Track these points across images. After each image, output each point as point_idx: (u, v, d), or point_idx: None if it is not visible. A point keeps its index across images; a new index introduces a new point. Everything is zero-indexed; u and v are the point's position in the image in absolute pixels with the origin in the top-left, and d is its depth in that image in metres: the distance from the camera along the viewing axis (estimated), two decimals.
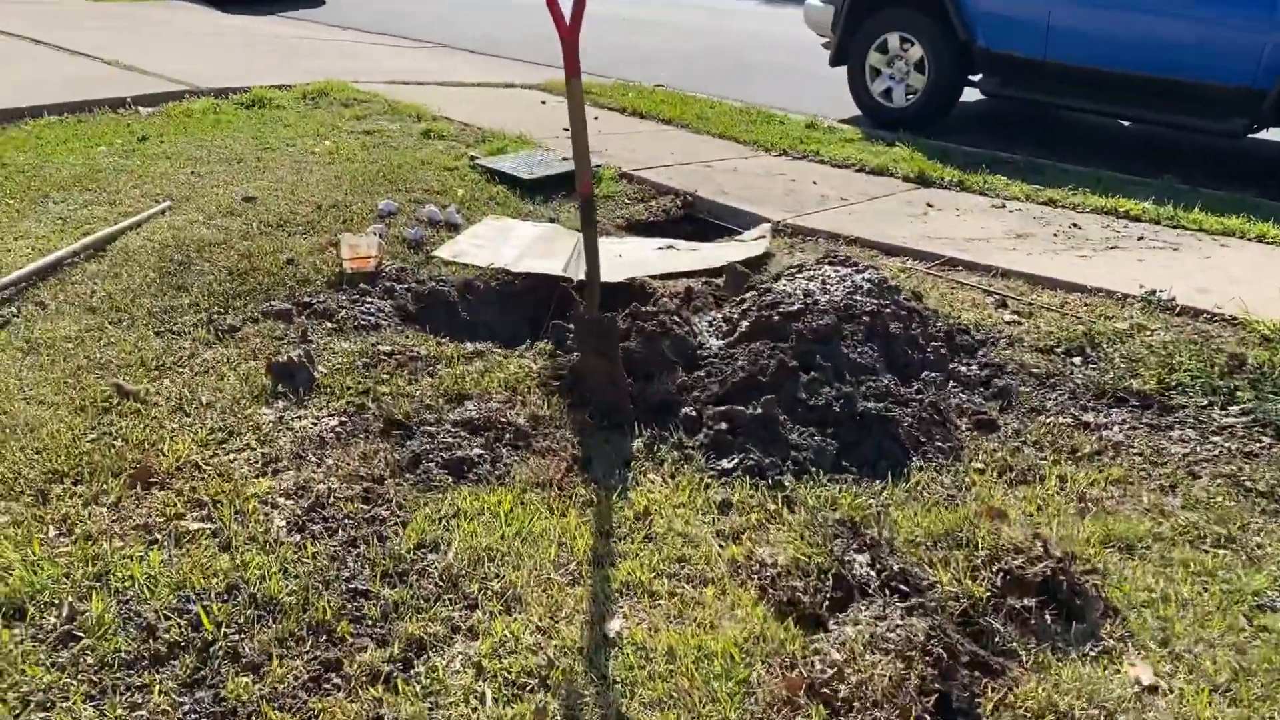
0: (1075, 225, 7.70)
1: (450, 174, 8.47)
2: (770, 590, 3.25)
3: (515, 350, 5.36)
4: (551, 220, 7.64)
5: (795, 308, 4.63)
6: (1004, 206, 8.28)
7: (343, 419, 4.55)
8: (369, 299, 5.94)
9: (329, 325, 5.55)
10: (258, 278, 6.08)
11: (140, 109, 10.13)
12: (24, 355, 5.01)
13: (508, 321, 6.40)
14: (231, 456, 4.22)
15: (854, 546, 3.40)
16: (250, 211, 7.24)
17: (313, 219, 7.20)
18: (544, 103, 11.62)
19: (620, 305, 6.26)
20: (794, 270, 5.46)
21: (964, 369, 4.74)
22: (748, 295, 5.15)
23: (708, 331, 4.91)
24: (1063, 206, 8.29)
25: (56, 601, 3.23)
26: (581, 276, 6.37)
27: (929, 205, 8.27)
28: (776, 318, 4.62)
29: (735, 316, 4.86)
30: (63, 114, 9.72)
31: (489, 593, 3.28)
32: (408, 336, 5.53)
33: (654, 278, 6.47)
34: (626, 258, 6.92)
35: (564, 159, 8.72)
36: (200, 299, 5.76)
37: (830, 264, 5.46)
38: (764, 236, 7.25)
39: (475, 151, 9.11)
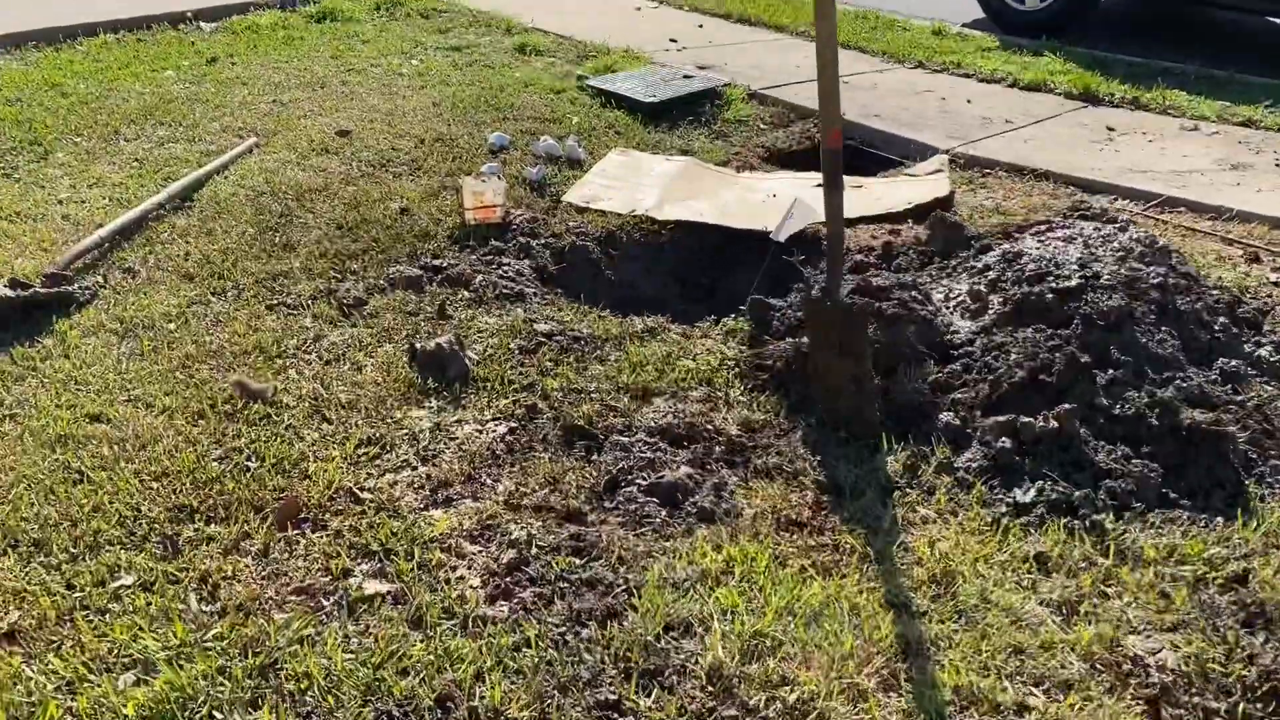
0: None
1: (558, 97, 7.49)
2: (1165, 708, 2.42)
3: (696, 328, 4.48)
4: (684, 152, 6.67)
5: (1072, 283, 3.70)
6: (1196, 129, 7.19)
7: (512, 425, 3.72)
8: (504, 259, 5.06)
9: (466, 295, 4.70)
10: (371, 232, 5.22)
11: (202, 24, 9.17)
12: (120, 340, 4.21)
13: (659, 280, 5.51)
14: (390, 479, 3.42)
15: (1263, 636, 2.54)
16: (347, 148, 6.34)
17: (417, 157, 6.30)
18: (639, 9, 10.50)
19: (786, 255, 5.36)
20: (1041, 227, 4.49)
21: (1264, 352, 3.81)
22: (987, 259, 4.22)
23: (949, 309, 4.00)
24: (1266, 128, 7.18)
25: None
26: (739, 224, 5.46)
27: (1110, 130, 7.20)
28: (1050, 295, 3.69)
29: (982, 290, 3.94)
30: (119, 31, 8.78)
31: (782, 708, 2.46)
32: (559, 308, 4.67)
33: (823, 224, 5.52)
34: (783, 198, 5.96)
35: (685, 77, 7.71)
36: (311, 261, 4.91)
37: (1082, 218, 4.50)
38: (940, 170, 6.25)
39: (581, 70, 8.10)
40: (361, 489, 3.37)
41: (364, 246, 5.10)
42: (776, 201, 5.91)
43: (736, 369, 4.05)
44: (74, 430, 3.57)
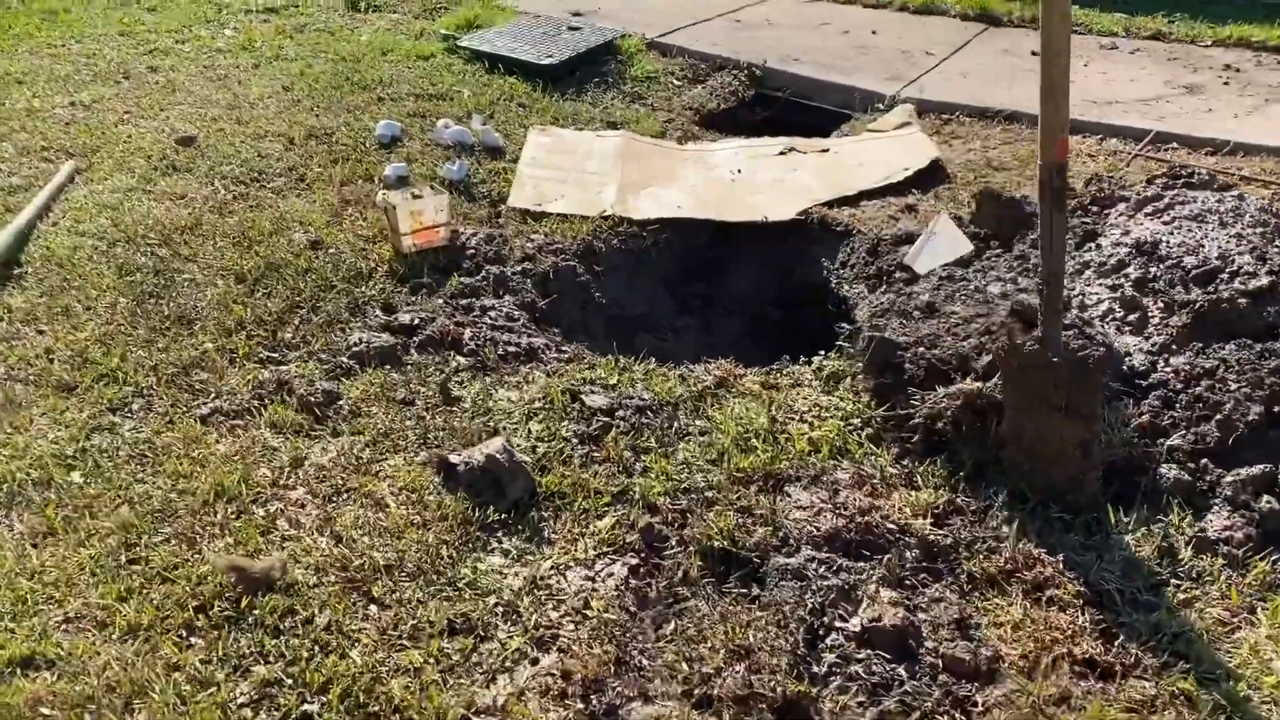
0: (1230, 67, 6.35)
1: (430, 65, 6.25)
2: None
3: (778, 374, 3.59)
4: (611, 125, 5.65)
5: (1263, 281, 3.09)
6: (1115, 47, 6.85)
7: (631, 560, 2.77)
8: (482, 299, 3.98)
9: (462, 361, 3.61)
10: (287, 281, 3.99)
11: None
12: (2, 514, 2.89)
13: (647, 292, 4.57)
14: (511, 688, 2.41)
15: None
16: (199, 161, 4.94)
17: (294, 163, 4.99)
18: None
19: (793, 252, 4.55)
20: (1145, 200, 3.83)
21: None
22: (1112, 251, 3.54)
23: (1099, 322, 3.30)
24: (1178, 40, 6.92)
25: None
26: (732, 217, 4.58)
27: (1035, 55, 6.69)
28: (1241, 300, 3.06)
29: (1133, 294, 3.27)
30: None
31: None
32: (588, 363, 3.68)
33: (825, 206, 4.73)
34: (758, 177, 5.11)
35: (571, 29, 6.62)
36: (226, 337, 3.67)
37: (1188, 186, 3.89)
38: (909, 123, 5.55)
39: (439, 27, 6.82)
40: (480, 714, 2.34)
41: (286, 304, 3.87)
42: (745, 179, 5.04)
43: (866, 428, 3.21)
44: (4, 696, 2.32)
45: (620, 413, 3.29)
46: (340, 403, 3.35)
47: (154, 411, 3.32)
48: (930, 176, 4.98)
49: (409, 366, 3.55)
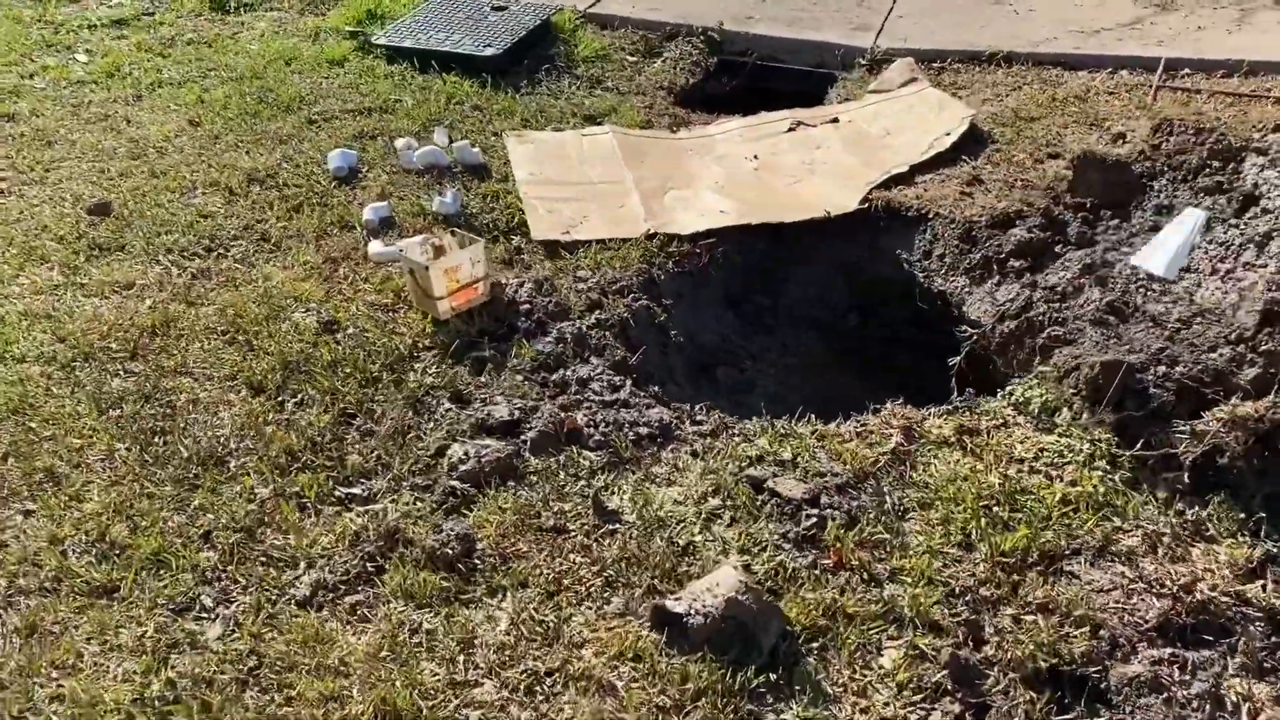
0: None
1: (345, 72, 5.34)
2: None
3: (959, 414, 3.07)
4: (588, 119, 4.94)
5: None
6: None
7: (945, 705, 2.23)
8: (569, 367, 3.30)
9: (592, 457, 2.95)
10: (317, 383, 3.22)
11: None
12: None
13: (713, 316, 3.98)
14: None
15: None
16: (129, 235, 4.01)
17: (250, 220, 4.12)
18: None
19: (861, 246, 4.03)
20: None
21: None
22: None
23: None
24: None
25: None
26: (790, 217, 4.03)
27: None
28: None
29: None
30: None
31: None
32: (737, 433, 3.06)
33: (881, 188, 4.22)
34: (781, 161, 4.54)
35: (496, 8, 5.79)
36: (274, 474, 2.88)
37: None
38: (915, 79, 5.06)
39: (339, 23, 5.86)
40: None
41: (333, 416, 3.10)
42: (767, 165, 4.49)
43: (1117, 471, 2.75)
44: None
45: (824, 499, 2.71)
46: (479, 546, 2.63)
47: (236, 603, 2.52)
48: (968, 139, 4.52)
49: (534, 478, 2.86)
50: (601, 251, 3.88)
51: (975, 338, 3.59)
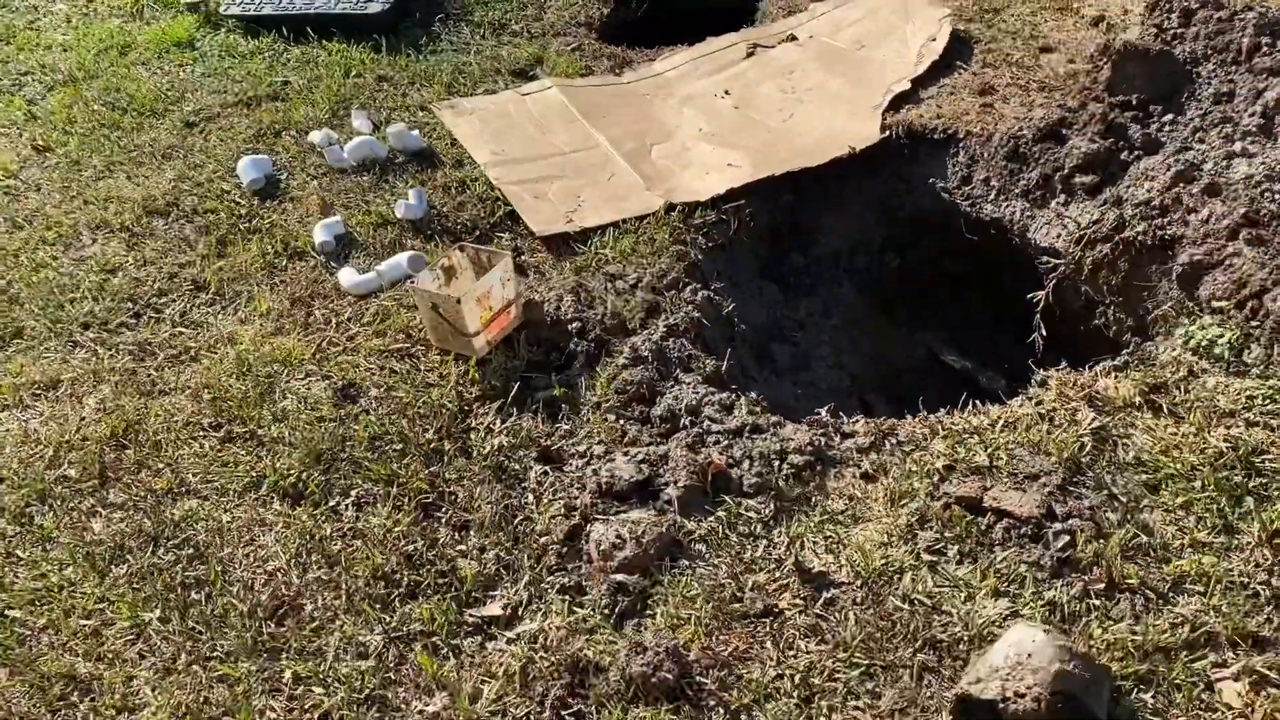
0: None
1: (199, 55, 4.41)
2: None
3: (1130, 371, 2.73)
4: (522, 74, 4.26)
5: None
6: None
7: None
8: (666, 394, 2.74)
9: (754, 507, 2.43)
10: (366, 471, 2.56)
11: None
12: None
13: (753, 283, 3.49)
14: None
15: None
16: (18, 313, 3.11)
17: (172, 266, 3.32)
18: None
19: (888, 180, 3.64)
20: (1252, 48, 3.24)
21: None
22: None
23: None
24: None
25: None
26: (814, 161, 3.57)
27: None
28: None
29: None
30: None
31: None
32: (904, 445, 2.61)
33: (891, 111, 3.80)
34: (759, 92, 4.04)
35: None
36: (366, 605, 2.25)
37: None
38: None
39: None
40: None
41: (408, 512, 2.45)
42: (746, 101, 4.00)
43: None
44: None
45: (1057, 507, 2.32)
46: (690, 657, 2.10)
47: None
48: (953, 42, 4.15)
49: (702, 548, 2.33)
50: (621, 237, 3.30)
51: (1061, 269, 3.26)
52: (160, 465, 2.58)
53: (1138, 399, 2.58)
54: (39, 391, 2.82)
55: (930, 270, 3.76)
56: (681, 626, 2.16)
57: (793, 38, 4.36)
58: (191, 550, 2.38)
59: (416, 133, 3.75)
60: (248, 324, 3.03)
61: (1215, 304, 2.76)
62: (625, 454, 2.53)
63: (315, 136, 3.75)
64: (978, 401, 2.71)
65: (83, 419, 2.71)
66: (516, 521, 2.42)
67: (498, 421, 2.68)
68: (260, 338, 2.96)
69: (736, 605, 2.20)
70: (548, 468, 2.56)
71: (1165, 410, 2.54)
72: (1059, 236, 3.35)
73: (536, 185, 3.54)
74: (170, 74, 4.22)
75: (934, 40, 4.10)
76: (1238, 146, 3.21)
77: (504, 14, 4.69)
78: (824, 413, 2.70)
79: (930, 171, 3.65)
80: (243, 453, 2.61)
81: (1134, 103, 3.49)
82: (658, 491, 2.45)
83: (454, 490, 2.50)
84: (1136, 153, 3.35)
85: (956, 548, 2.28)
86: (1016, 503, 2.31)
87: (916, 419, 2.66)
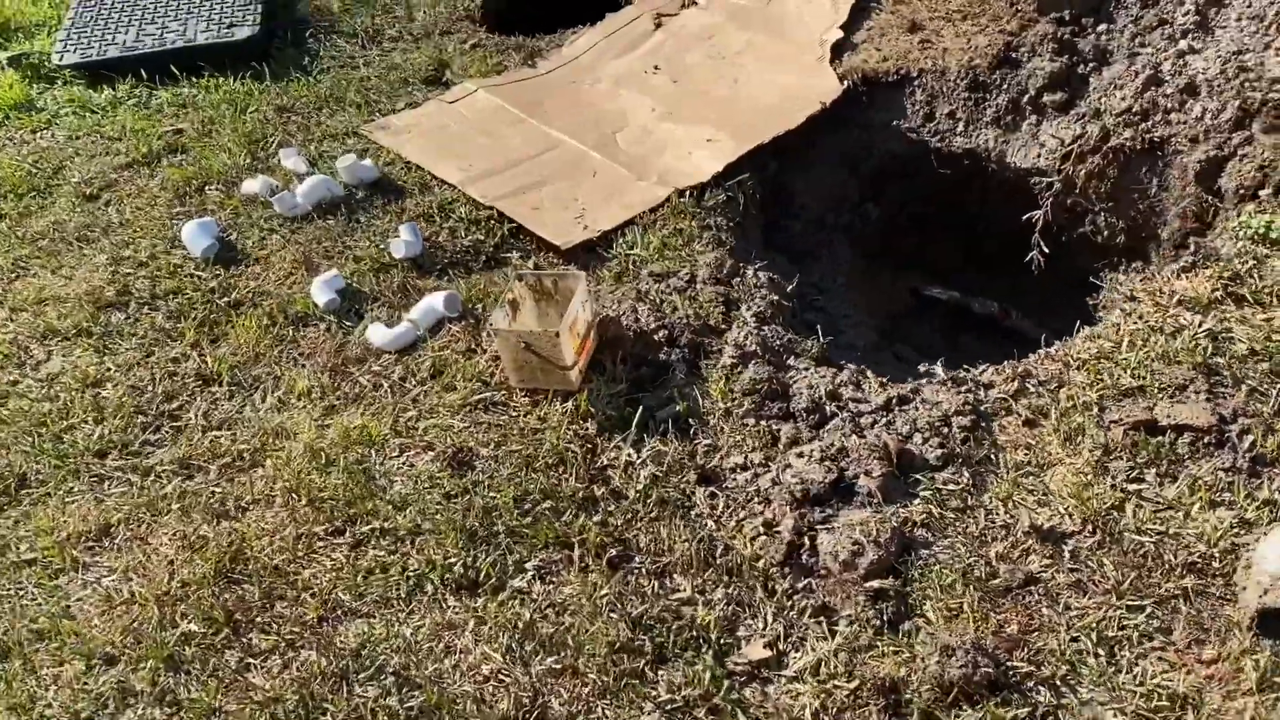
0: None
1: (43, 118, 3.81)
2: None
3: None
4: (434, 82, 3.96)
5: None
6: None
7: None
8: (796, 381, 2.67)
9: (947, 476, 2.42)
10: (546, 526, 2.36)
11: None
12: None
13: (774, 263, 3.44)
14: None
15: None
16: (9, 459, 2.61)
17: (164, 369, 2.89)
18: None
19: (853, 131, 3.69)
20: None
21: None
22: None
23: None
24: None
25: None
26: (784, 127, 3.56)
27: None
28: None
29: None
30: None
31: None
32: (1035, 381, 2.67)
33: (834, 60, 3.83)
34: (687, 60, 3.97)
35: None
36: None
37: None
38: None
39: None
40: None
41: (652, 583, 2.27)
42: (680, 73, 3.92)
43: None
44: None
45: (1236, 413, 2.45)
46: (989, 647, 2.07)
47: None
48: None
49: (927, 533, 2.29)
50: (645, 234, 3.15)
51: (1056, 185, 3.41)
52: (296, 592, 2.24)
53: (1221, 296, 2.75)
54: (91, 544, 2.37)
55: (908, 213, 3.83)
56: (956, 618, 2.12)
57: (693, 2, 4.28)
58: (392, 677, 2.09)
59: (369, 162, 3.41)
60: (291, 410, 2.66)
61: (1241, 192, 2.98)
62: (799, 455, 2.43)
63: (252, 186, 3.33)
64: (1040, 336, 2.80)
65: (170, 563, 2.30)
66: (718, 553, 2.28)
67: (632, 452, 2.51)
68: (319, 423, 2.61)
69: (995, 581, 2.17)
70: (712, 488, 2.43)
71: (1250, 300, 2.72)
72: (1039, 156, 3.49)
73: (527, 196, 3.31)
74: (27, 144, 3.61)
75: None
76: (1184, 45, 3.45)
77: (373, 20, 4.32)
78: (938, 368, 2.71)
79: (891, 115, 3.70)
80: (383, 554, 2.31)
81: (1067, 18, 3.68)
82: (851, 486, 2.37)
83: (632, 536, 2.33)
84: (1092, 65, 3.53)
85: (1153, 471, 2.35)
86: (1191, 415, 2.41)
87: (1041, 355, 2.71)
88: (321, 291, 2.96)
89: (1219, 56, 3.34)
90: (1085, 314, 3.64)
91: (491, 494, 2.41)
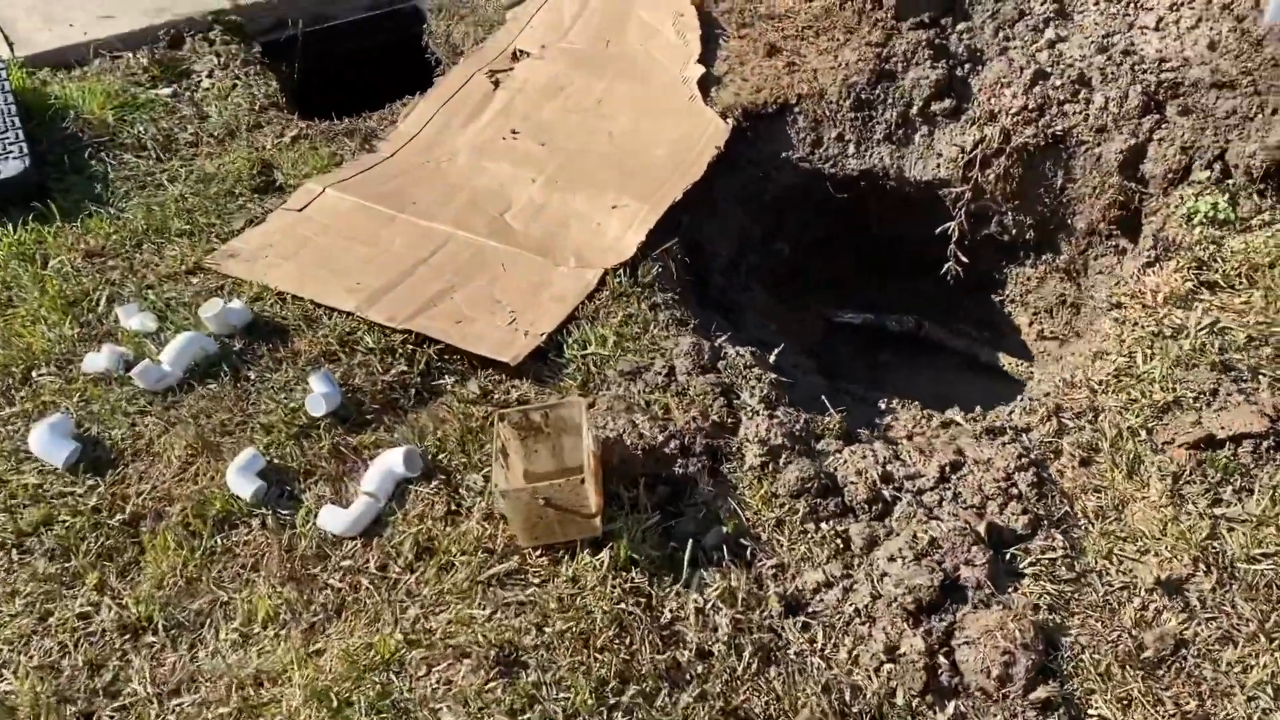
0: None
1: None
2: None
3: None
4: (268, 189, 3.40)
5: None
6: None
7: None
8: (840, 468, 2.43)
9: (1054, 537, 2.26)
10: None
11: None
12: None
13: (706, 319, 3.20)
14: None
15: None
16: None
17: (79, 605, 2.26)
18: None
19: (748, 166, 3.54)
20: None
21: None
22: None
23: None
24: None
25: None
26: (694, 174, 3.33)
27: None
28: None
29: None
30: None
31: None
32: (1062, 413, 2.55)
33: (701, 96, 3.61)
34: (544, 118, 3.63)
35: None
36: None
37: None
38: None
39: None
40: None
41: None
42: (545, 128, 3.56)
43: None
44: None
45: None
46: None
47: None
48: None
49: (1055, 615, 2.10)
50: (595, 328, 2.79)
51: (965, 193, 3.33)
52: None
53: (1192, 284, 2.73)
54: None
55: (809, 240, 3.66)
56: (1129, 707, 1.94)
57: (523, 53, 3.91)
58: None
59: (238, 303, 2.84)
60: (261, 644, 2.13)
61: (1171, 176, 2.99)
62: (890, 559, 2.17)
63: (97, 361, 2.68)
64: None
65: None
66: (848, 696, 2.00)
67: (697, 598, 2.17)
68: (307, 653, 2.09)
69: (1147, 654, 2.01)
70: (801, 618, 2.14)
71: (1223, 284, 2.72)
72: (939, 167, 3.41)
73: (441, 308, 2.86)
74: None
75: (683, 15, 3.90)
76: (1050, 34, 3.47)
77: (156, 125, 3.66)
78: (915, 407, 2.57)
79: (779, 147, 3.52)
80: None
81: (927, 21, 3.61)
82: (956, 581, 2.14)
83: (743, 702, 2.00)
84: (968, 66, 3.48)
85: (1228, 488, 2.27)
86: (1243, 422, 2.35)
87: (1060, 383, 2.60)
88: (241, 480, 2.40)
89: (1091, 42, 3.36)
90: (992, 312, 3.61)
91: (563, 696, 2.00)
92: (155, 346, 2.75)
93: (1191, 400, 2.44)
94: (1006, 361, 3.60)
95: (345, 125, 3.68)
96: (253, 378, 2.69)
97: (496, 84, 3.79)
